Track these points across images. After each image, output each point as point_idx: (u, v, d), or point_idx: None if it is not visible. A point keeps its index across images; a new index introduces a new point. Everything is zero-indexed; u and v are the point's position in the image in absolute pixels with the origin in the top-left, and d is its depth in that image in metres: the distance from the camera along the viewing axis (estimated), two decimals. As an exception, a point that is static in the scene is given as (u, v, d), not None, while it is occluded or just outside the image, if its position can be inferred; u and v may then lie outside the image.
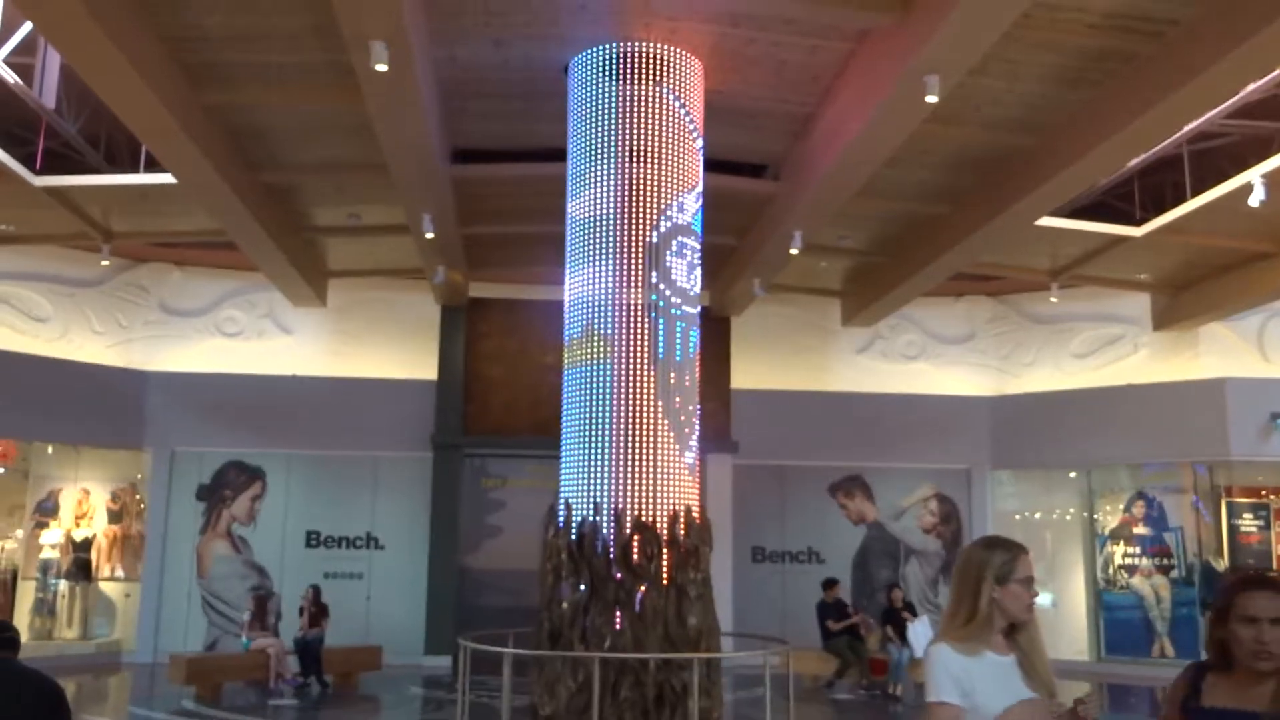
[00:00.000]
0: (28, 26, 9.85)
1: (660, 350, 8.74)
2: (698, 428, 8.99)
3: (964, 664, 2.79)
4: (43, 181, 11.57)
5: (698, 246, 9.29)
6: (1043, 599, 15.73)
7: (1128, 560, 14.97)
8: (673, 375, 8.76)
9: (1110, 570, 15.10)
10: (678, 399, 8.74)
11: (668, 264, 8.89)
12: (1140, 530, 14.97)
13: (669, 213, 8.97)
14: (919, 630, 11.53)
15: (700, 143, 9.38)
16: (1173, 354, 15.05)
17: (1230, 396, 14.02)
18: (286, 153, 10.92)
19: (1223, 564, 14.14)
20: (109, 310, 14.74)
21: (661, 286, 8.84)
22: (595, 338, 8.84)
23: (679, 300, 8.93)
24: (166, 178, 10.80)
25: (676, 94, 9.10)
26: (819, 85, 9.59)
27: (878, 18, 7.99)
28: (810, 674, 12.75)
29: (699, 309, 9.31)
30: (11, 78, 10.25)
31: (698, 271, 9.29)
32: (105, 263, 13.77)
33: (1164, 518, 14.84)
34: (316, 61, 8.84)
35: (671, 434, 8.64)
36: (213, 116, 9.78)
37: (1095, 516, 15.50)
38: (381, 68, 7.47)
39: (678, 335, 8.85)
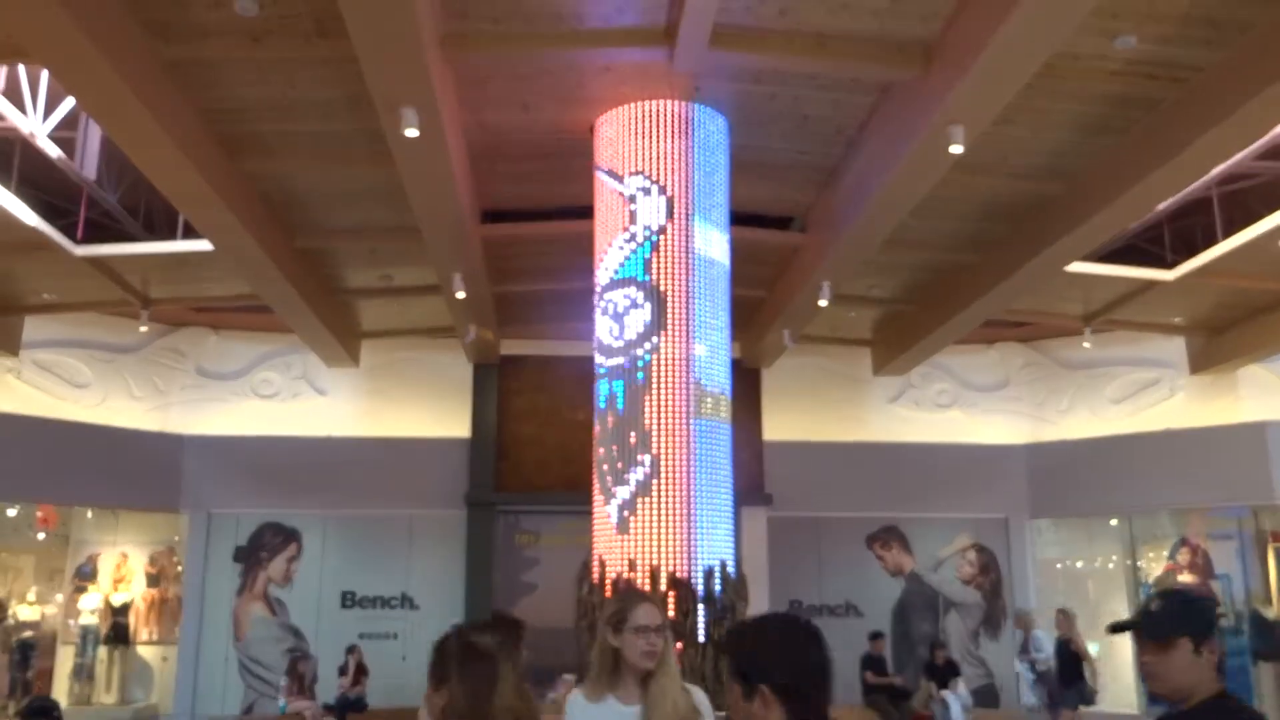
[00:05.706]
0: (70, 102, 10.16)
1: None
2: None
3: (588, 710, 2.84)
4: (84, 251, 11.81)
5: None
6: (1090, 648, 15.39)
7: (1174, 609, 14.57)
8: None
9: (1157, 619, 14.70)
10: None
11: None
12: (1186, 578, 14.63)
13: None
14: (955, 696, 11.72)
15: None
16: (1212, 397, 14.79)
17: (1272, 440, 13.74)
18: (320, 218, 11.11)
19: (1273, 612, 13.76)
20: (147, 375, 14.93)
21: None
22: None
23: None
24: (203, 245, 11.00)
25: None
26: (843, 137, 9.66)
27: (900, 71, 8.05)
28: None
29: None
30: (55, 152, 10.55)
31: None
32: (143, 329, 14.00)
33: (1210, 565, 14.50)
34: (349, 129, 9.04)
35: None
36: (248, 185, 9.99)
37: (1138, 564, 15.18)
38: (412, 133, 7.61)
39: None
